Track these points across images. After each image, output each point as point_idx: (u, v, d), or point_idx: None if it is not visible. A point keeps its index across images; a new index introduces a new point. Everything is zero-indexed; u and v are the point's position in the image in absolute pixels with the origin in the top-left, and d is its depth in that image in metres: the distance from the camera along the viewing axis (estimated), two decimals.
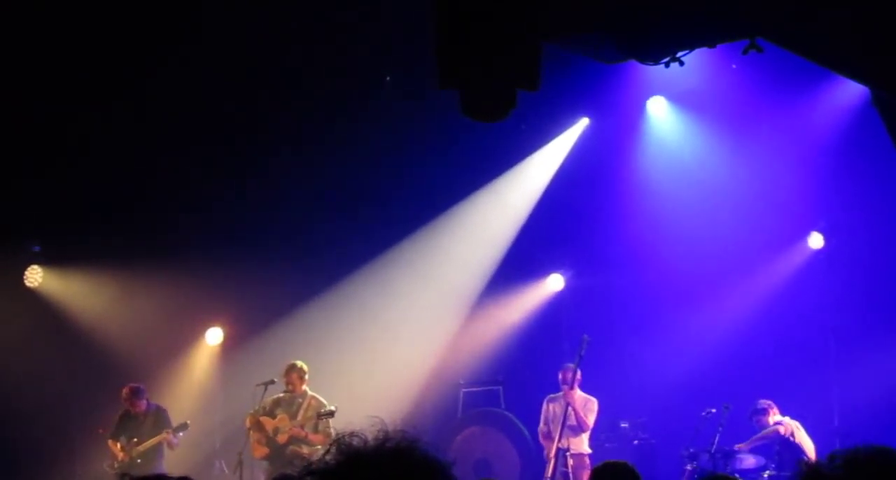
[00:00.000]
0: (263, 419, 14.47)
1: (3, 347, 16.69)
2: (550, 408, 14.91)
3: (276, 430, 14.38)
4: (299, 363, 14.73)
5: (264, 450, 14.48)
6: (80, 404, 17.50)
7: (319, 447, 14.00)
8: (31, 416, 16.90)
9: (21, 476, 16.65)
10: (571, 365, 14.72)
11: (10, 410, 16.72)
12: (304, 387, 14.64)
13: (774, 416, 14.63)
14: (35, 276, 17.79)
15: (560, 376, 14.76)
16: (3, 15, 14.12)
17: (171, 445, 15.10)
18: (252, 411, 14.62)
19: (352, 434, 2.68)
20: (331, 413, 14.20)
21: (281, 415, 14.46)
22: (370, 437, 2.68)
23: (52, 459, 17.06)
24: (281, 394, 14.66)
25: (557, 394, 14.84)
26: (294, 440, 14.31)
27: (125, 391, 15.12)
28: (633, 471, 6.90)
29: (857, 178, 16.16)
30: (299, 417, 14.38)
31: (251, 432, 14.57)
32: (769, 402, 14.74)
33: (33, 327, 17.28)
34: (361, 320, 17.86)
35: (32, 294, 17.77)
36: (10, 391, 16.64)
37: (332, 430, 14.13)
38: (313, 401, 14.48)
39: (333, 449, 2.67)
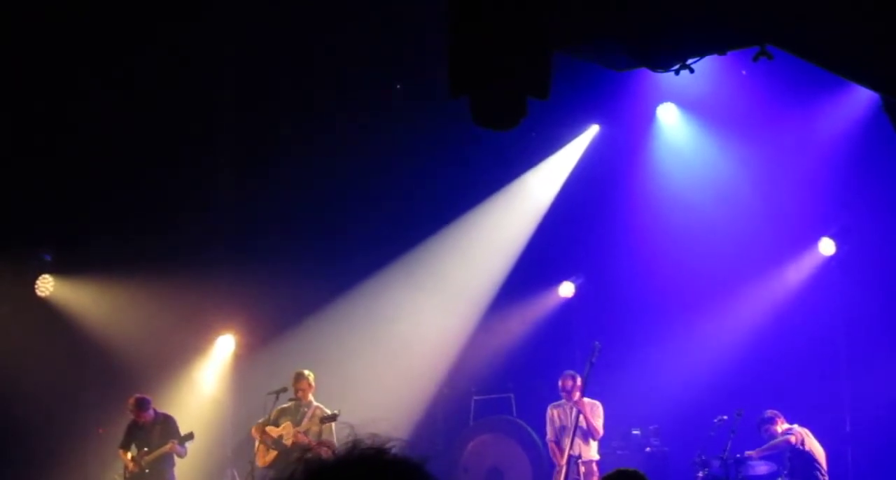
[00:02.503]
0: (269, 428, 14.44)
1: (15, 355, 16.70)
2: (555, 414, 14.84)
3: (282, 437, 14.36)
4: (307, 371, 14.70)
5: (272, 454, 14.39)
6: (91, 412, 17.52)
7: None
8: (42, 424, 16.92)
9: None
10: (571, 372, 14.66)
11: (22, 417, 16.74)
12: (311, 397, 14.62)
13: (782, 424, 14.60)
14: (46, 285, 17.80)
15: (560, 383, 14.65)
16: (10, 20, 14.15)
17: (178, 455, 15.13)
18: (258, 422, 14.61)
19: (320, 444, 2.63)
20: (333, 417, 14.16)
21: (285, 423, 14.43)
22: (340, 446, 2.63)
23: (63, 466, 17.06)
24: (286, 404, 14.62)
25: (560, 401, 14.78)
26: (298, 447, 14.28)
27: (130, 402, 15.15)
28: (645, 479, 6.89)
29: (868, 184, 16.15)
30: (304, 424, 14.35)
31: (257, 440, 14.54)
32: (775, 411, 14.71)
33: (45, 335, 17.29)
34: (373, 328, 17.86)
35: (44, 302, 17.79)
36: (22, 399, 16.65)
37: (334, 437, 14.12)
38: (318, 411, 14.42)
39: (300, 466, 2.60)
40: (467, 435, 17.42)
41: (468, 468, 16.76)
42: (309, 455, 2.60)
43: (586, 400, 14.52)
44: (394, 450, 2.57)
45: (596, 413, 14.50)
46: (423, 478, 2.58)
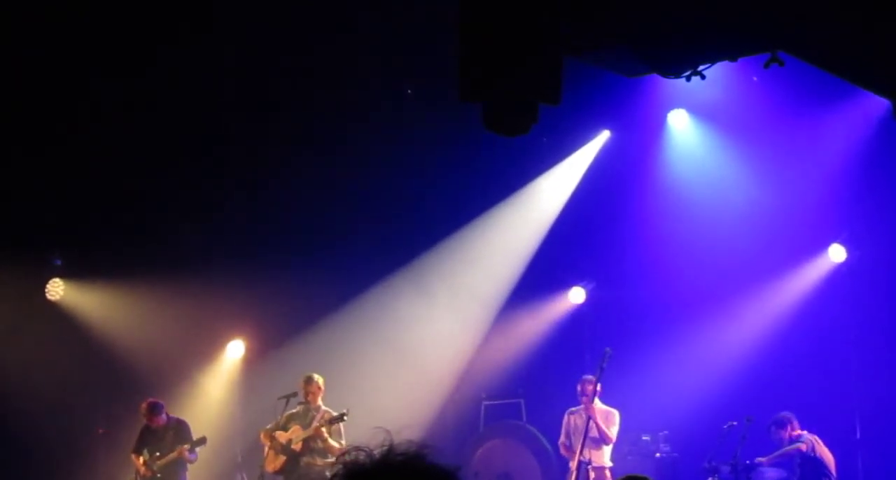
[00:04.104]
0: (278, 433, 14.45)
1: (25, 360, 16.73)
2: (571, 421, 14.86)
3: (291, 441, 14.38)
4: (316, 375, 14.72)
5: (280, 460, 14.41)
6: (102, 417, 17.55)
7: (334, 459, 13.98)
8: (52, 427, 16.95)
9: None
10: (589, 377, 14.66)
11: (31, 422, 16.76)
12: (319, 401, 14.63)
13: (794, 430, 14.58)
14: (56, 289, 17.84)
15: (578, 388, 14.67)
16: (15, 25, 14.15)
17: (187, 460, 15.11)
18: (267, 427, 14.61)
19: (357, 449, 2.66)
20: (340, 418, 14.18)
21: (294, 427, 14.45)
22: (375, 450, 2.66)
23: (72, 469, 17.09)
24: (295, 409, 14.64)
25: (578, 407, 14.78)
26: (309, 450, 14.29)
27: (143, 406, 15.14)
28: None
29: (879, 190, 16.12)
30: (312, 427, 14.36)
31: (267, 446, 14.54)
32: (790, 415, 14.69)
33: (55, 339, 17.32)
34: (383, 333, 17.86)
35: (54, 307, 17.82)
36: (32, 403, 16.67)
37: (342, 438, 14.15)
38: (326, 414, 14.44)
39: (339, 467, 2.66)
40: (477, 441, 17.41)
41: (478, 473, 16.74)
42: (346, 457, 2.65)
43: (604, 407, 14.54)
44: (428, 457, 2.62)
45: (611, 421, 14.49)
46: None
